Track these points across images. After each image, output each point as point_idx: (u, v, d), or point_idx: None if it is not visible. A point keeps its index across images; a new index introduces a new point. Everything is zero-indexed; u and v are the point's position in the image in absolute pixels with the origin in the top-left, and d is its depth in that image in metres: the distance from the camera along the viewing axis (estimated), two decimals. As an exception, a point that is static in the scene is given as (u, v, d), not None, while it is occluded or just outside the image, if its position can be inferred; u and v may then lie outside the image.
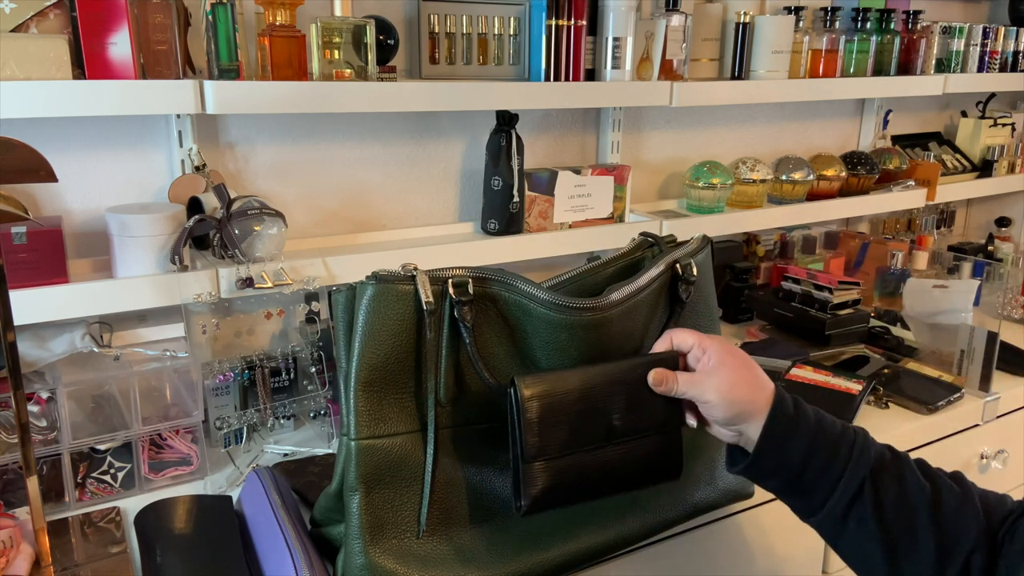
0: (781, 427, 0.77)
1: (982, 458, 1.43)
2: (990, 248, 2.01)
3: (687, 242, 0.96)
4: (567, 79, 1.37)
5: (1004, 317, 1.77)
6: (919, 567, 0.73)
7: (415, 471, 0.81)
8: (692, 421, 0.84)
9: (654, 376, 0.82)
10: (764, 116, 1.85)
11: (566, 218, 1.48)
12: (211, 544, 0.91)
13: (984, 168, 2.07)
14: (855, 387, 1.29)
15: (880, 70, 1.78)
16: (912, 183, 1.87)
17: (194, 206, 1.18)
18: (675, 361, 0.84)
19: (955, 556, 0.72)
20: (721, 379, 0.79)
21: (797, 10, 1.64)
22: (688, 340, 0.83)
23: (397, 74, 1.31)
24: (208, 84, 1.06)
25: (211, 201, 1.17)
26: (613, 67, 1.42)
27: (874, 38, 1.74)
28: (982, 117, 2.10)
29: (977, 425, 1.39)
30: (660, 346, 0.86)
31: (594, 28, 1.41)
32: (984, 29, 1.93)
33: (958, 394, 1.37)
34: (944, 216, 2.20)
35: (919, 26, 1.82)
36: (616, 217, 1.54)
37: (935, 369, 1.45)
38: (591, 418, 0.80)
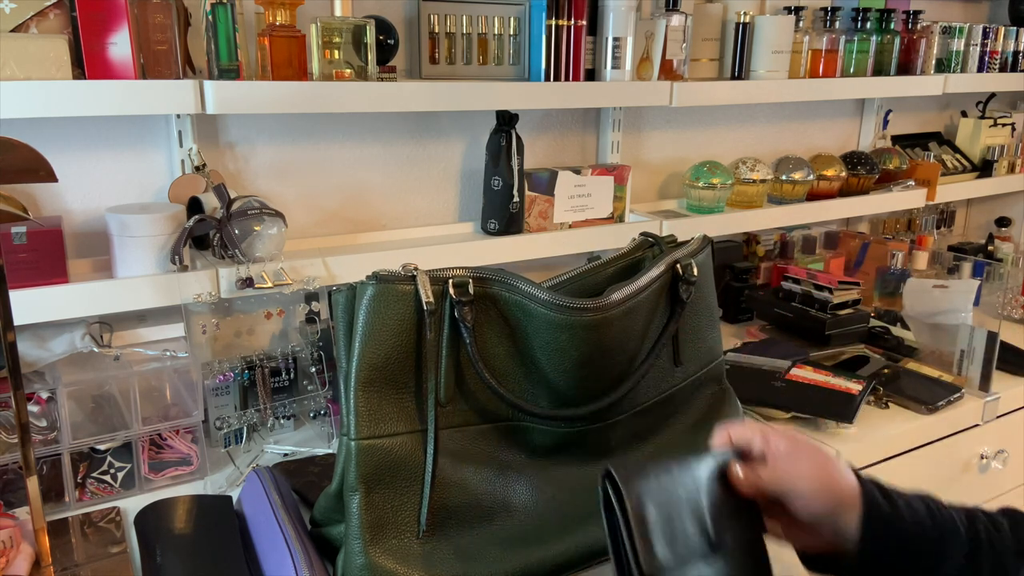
0: (881, 509, 0.67)
1: (982, 458, 1.43)
2: (990, 248, 2.01)
3: (687, 242, 0.96)
4: (567, 79, 1.37)
5: (1004, 317, 1.77)
6: None
7: (415, 471, 0.81)
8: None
9: (737, 471, 0.67)
10: (764, 116, 1.85)
11: (566, 218, 1.48)
12: (211, 544, 0.91)
13: (984, 168, 2.07)
14: (855, 387, 1.29)
15: (880, 70, 1.78)
16: (912, 183, 1.87)
17: (194, 206, 1.18)
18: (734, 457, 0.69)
19: None
20: (807, 461, 0.68)
21: (797, 10, 1.64)
22: (747, 433, 0.70)
23: (397, 74, 1.31)
24: (208, 84, 1.06)
25: (211, 201, 1.17)
26: (613, 67, 1.42)
27: (874, 38, 1.74)
28: (982, 117, 2.10)
29: (977, 425, 1.39)
30: (717, 441, 0.72)
31: (594, 28, 1.41)
32: (984, 29, 1.93)
33: (958, 394, 1.37)
34: (944, 216, 2.20)
35: (919, 26, 1.82)
36: (616, 217, 1.54)
37: (935, 369, 1.45)
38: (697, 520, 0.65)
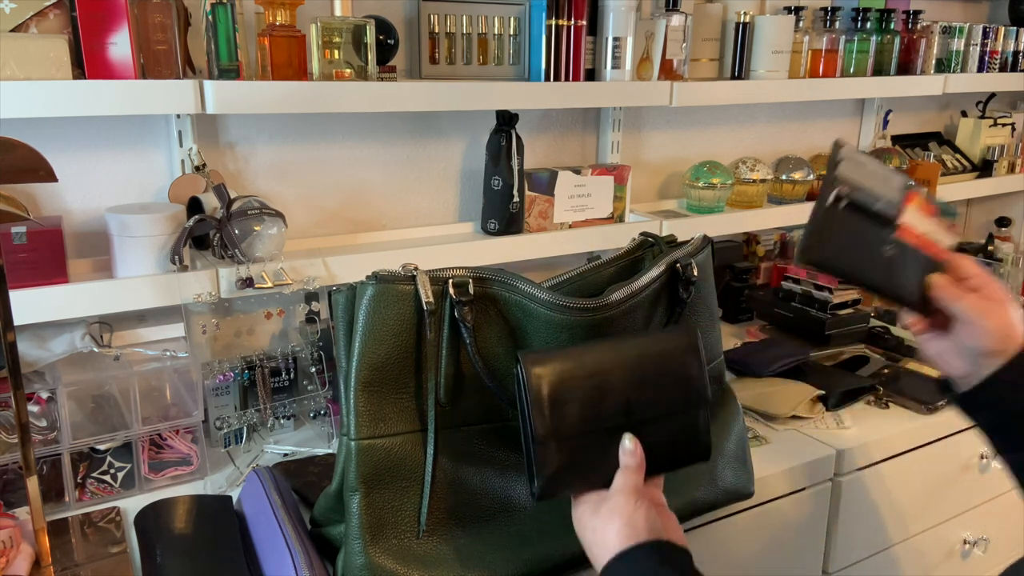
0: (1019, 371, 0.78)
1: (981, 458, 1.43)
2: (990, 248, 2.01)
3: (687, 242, 0.96)
4: (567, 79, 1.37)
5: (1004, 317, 1.76)
6: None
7: (415, 471, 0.81)
8: (919, 327, 0.84)
9: (936, 279, 0.81)
10: (764, 116, 1.85)
11: (566, 218, 1.48)
12: (211, 544, 0.91)
13: (984, 168, 2.07)
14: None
15: (880, 70, 1.78)
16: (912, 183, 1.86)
17: (194, 206, 1.18)
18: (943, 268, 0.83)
19: None
20: (1004, 312, 0.79)
21: (797, 10, 1.64)
22: (971, 268, 0.83)
23: (397, 74, 1.31)
24: (208, 84, 1.06)
25: (211, 201, 1.17)
26: (613, 67, 1.42)
27: (874, 38, 1.74)
28: (982, 117, 2.10)
29: (977, 425, 1.39)
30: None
31: (594, 28, 1.41)
32: (984, 29, 1.93)
33: (958, 394, 1.37)
34: (944, 216, 2.20)
35: (919, 26, 1.82)
36: (616, 217, 1.54)
37: (935, 369, 1.45)
38: (606, 396, 0.76)
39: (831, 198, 0.78)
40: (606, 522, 0.72)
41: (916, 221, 0.83)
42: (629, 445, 0.75)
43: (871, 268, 0.80)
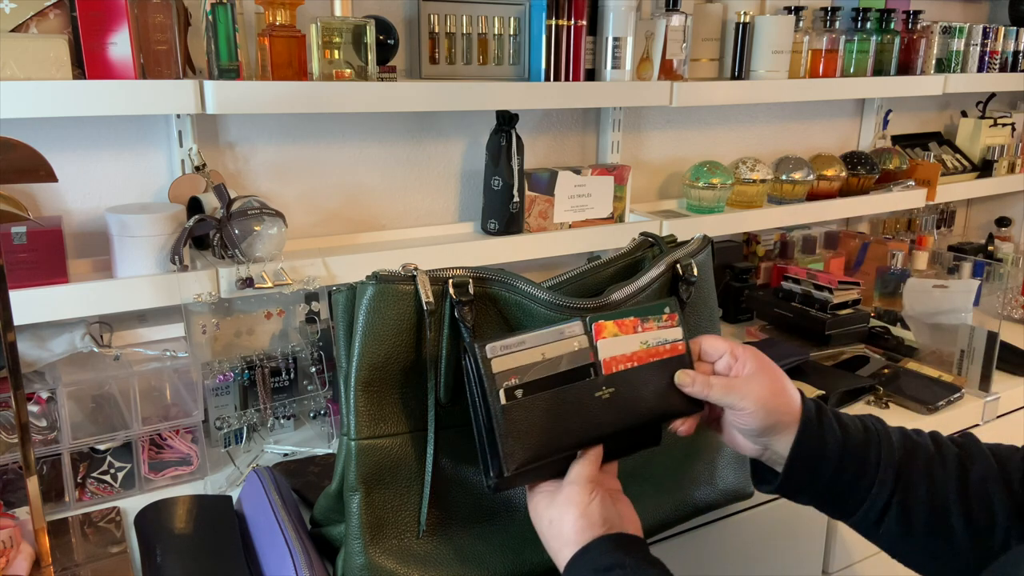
0: (810, 444, 0.75)
1: (982, 458, 1.43)
2: (990, 248, 2.01)
3: (687, 242, 0.96)
4: (567, 79, 1.37)
5: (1004, 317, 1.77)
6: (958, 559, 0.73)
7: (415, 471, 0.81)
8: (685, 428, 0.79)
9: (682, 377, 0.77)
10: (764, 116, 1.85)
11: (566, 218, 1.48)
12: (211, 544, 0.91)
13: (984, 168, 2.07)
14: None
15: (880, 70, 1.78)
16: (912, 183, 1.86)
17: (194, 206, 1.18)
18: (689, 361, 0.79)
19: (993, 538, 0.72)
20: (761, 386, 0.75)
21: (797, 10, 1.64)
22: (719, 347, 0.79)
23: (397, 74, 1.31)
24: (208, 84, 1.06)
25: (211, 201, 1.17)
26: (613, 67, 1.42)
27: (874, 38, 1.74)
28: (982, 117, 2.10)
29: (977, 425, 1.39)
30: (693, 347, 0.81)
31: (594, 28, 1.41)
32: (984, 29, 1.93)
33: (958, 394, 1.37)
34: (944, 216, 2.20)
35: (919, 26, 1.82)
36: (616, 217, 1.54)
37: (935, 369, 1.45)
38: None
39: (502, 398, 0.71)
40: (562, 513, 0.71)
41: (620, 346, 0.77)
42: None
43: (595, 419, 0.74)
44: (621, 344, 0.77)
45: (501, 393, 0.72)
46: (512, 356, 0.73)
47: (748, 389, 0.75)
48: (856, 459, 0.75)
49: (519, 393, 0.72)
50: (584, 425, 0.74)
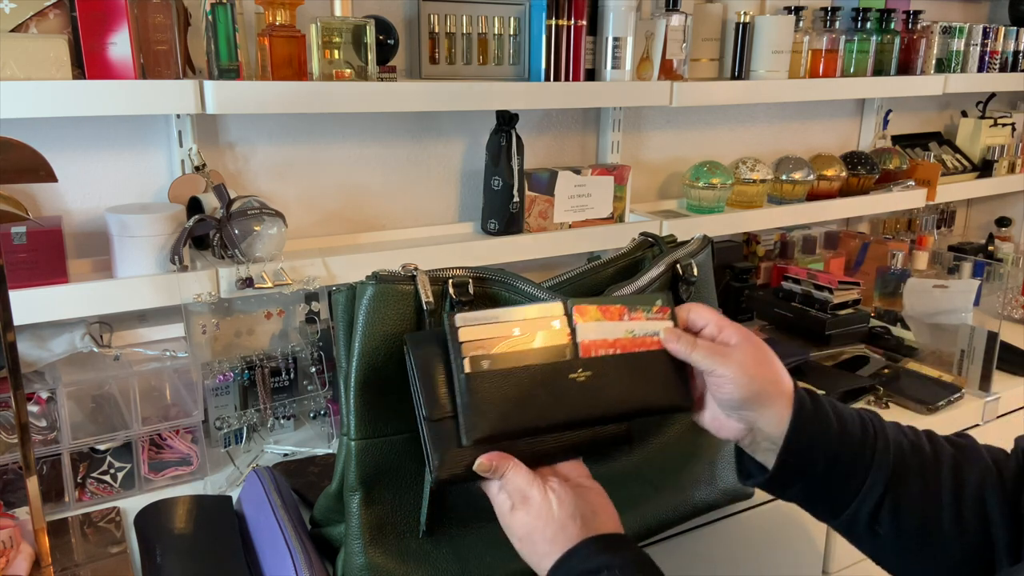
0: (805, 425, 0.70)
1: (982, 458, 1.43)
2: (990, 248, 2.01)
3: (687, 242, 0.96)
4: (567, 79, 1.37)
5: (1004, 317, 1.77)
6: (946, 566, 0.70)
7: (415, 471, 0.81)
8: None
9: (667, 333, 0.73)
10: (764, 116, 1.85)
11: (566, 218, 1.48)
12: (211, 544, 0.91)
13: (984, 168, 2.07)
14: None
15: (880, 70, 1.78)
16: (912, 183, 1.86)
17: (194, 206, 1.18)
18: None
19: (986, 545, 0.68)
20: (745, 353, 0.71)
21: (797, 10, 1.64)
22: (705, 315, 0.75)
23: (397, 74, 1.31)
24: (208, 84, 1.06)
25: (211, 201, 1.17)
26: (613, 67, 1.42)
27: (874, 38, 1.74)
28: (982, 117, 2.10)
29: (977, 425, 1.39)
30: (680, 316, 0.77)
31: (594, 28, 1.41)
32: (984, 29, 1.93)
33: (958, 394, 1.37)
34: (944, 216, 2.20)
35: (919, 26, 1.82)
36: (616, 217, 1.54)
37: (935, 369, 1.45)
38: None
39: (467, 366, 0.68)
40: (528, 527, 0.67)
41: (602, 331, 0.73)
42: None
43: (566, 401, 0.70)
44: (603, 329, 0.73)
45: (466, 362, 0.68)
46: (483, 327, 0.70)
47: (731, 355, 0.71)
48: (852, 449, 0.71)
49: (486, 364, 0.69)
50: (555, 405, 0.70)
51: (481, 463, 0.68)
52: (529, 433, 0.70)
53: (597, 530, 0.67)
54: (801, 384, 0.75)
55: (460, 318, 0.70)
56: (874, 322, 1.59)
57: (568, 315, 0.73)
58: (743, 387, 0.70)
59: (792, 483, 0.73)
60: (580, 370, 0.71)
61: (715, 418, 0.75)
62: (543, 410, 0.70)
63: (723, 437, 0.75)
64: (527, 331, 0.71)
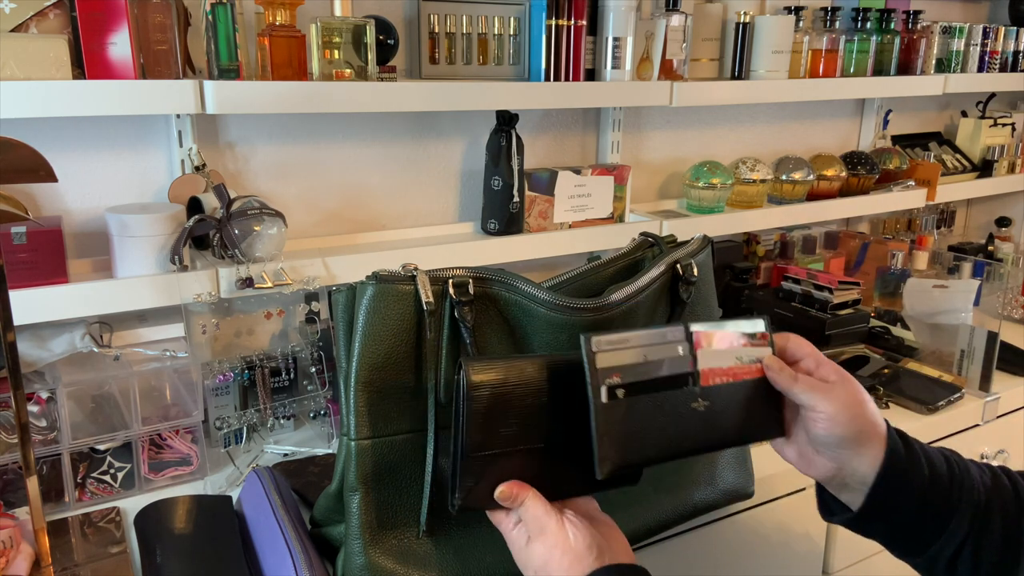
0: (897, 468, 0.70)
1: (982, 458, 1.43)
2: (990, 248, 2.01)
3: (687, 242, 0.96)
4: (567, 79, 1.37)
5: (1004, 317, 1.77)
6: None
7: (415, 471, 0.81)
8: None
9: (771, 361, 0.73)
10: (764, 116, 1.85)
11: (566, 218, 1.48)
12: (211, 544, 0.91)
13: (984, 168, 2.07)
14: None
15: (880, 70, 1.78)
16: (912, 183, 1.87)
17: (194, 206, 1.18)
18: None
19: None
20: (847, 392, 0.70)
21: (797, 10, 1.64)
22: (804, 348, 0.75)
23: (397, 74, 1.31)
24: (208, 84, 1.06)
25: (211, 201, 1.17)
26: (613, 67, 1.42)
27: (874, 38, 1.74)
28: (982, 117, 2.10)
29: (977, 425, 1.39)
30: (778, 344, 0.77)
31: (594, 28, 1.41)
32: (984, 29, 1.93)
33: (958, 394, 1.37)
34: (944, 216, 2.20)
35: (919, 26, 1.82)
36: (616, 217, 1.54)
37: (935, 369, 1.45)
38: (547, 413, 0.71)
39: (603, 396, 0.68)
40: (545, 557, 0.67)
41: (718, 358, 0.73)
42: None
43: (688, 431, 0.71)
44: (720, 356, 0.74)
45: (603, 390, 0.68)
46: (616, 353, 0.70)
47: (833, 391, 0.70)
48: (940, 491, 0.71)
49: (620, 393, 0.69)
50: (676, 435, 0.71)
51: (502, 491, 0.69)
52: (653, 463, 0.71)
53: (613, 560, 0.67)
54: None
55: (596, 343, 0.69)
56: (874, 322, 1.59)
57: (689, 340, 0.73)
58: (843, 426, 0.70)
59: (877, 522, 0.72)
60: (700, 399, 0.72)
61: (803, 455, 0.74)
62: (671, 440, 0.71)
63: (809, 475, 0.75)
64: (654, 357, 0.71)
